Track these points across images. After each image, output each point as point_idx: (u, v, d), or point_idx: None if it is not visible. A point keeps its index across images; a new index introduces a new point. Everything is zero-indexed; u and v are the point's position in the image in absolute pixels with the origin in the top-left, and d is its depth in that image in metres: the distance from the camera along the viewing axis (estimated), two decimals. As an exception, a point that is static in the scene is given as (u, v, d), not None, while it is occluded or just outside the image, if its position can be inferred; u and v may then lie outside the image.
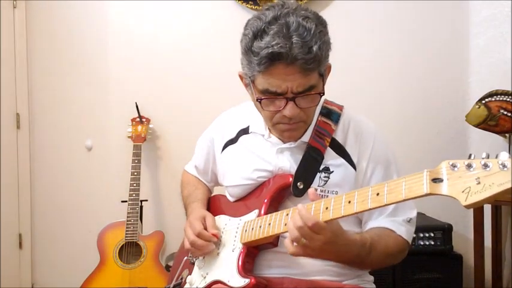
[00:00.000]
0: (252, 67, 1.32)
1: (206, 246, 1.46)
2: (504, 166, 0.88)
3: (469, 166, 0.93)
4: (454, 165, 0.96)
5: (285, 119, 1.36)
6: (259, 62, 1.28)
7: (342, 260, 1.34)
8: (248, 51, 1.32)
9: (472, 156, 0.95)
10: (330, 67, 1.41)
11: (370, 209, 1.12)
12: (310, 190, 1.28)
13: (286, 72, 1.28)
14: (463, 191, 0.92)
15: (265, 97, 1.34)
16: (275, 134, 1.50)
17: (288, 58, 1.25)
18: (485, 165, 0.91)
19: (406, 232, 1.43)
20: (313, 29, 1.27)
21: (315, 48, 1.26)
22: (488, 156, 0.93)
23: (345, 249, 1.26)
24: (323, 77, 1.36)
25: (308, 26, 1.27)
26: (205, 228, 1.48)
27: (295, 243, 1.21)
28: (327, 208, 1.19)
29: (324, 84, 1.39)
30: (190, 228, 1.49)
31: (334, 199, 1.19)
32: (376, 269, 1.50)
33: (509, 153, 0.90)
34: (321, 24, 1.32)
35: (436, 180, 0.98)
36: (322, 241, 1.19)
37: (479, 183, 0.91)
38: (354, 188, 1.39)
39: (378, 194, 1.10)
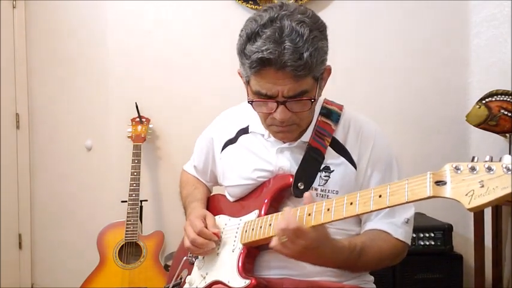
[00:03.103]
0: (245, 69, 1.33)
1: (207, 244, 1.45)
2: (508, 170, 0.88)
3: (473, 169, 0.93)
4: (457, 168, 0.95)
5: (277, 121, 1.36)
6: (251, 65, 1.28)
7: (326, 265, 1.35)
8: (241, 53, 1.32)
9: (476, 159, 0.95)
10: (329, 69, 1.40)
11: (372, 211, 1.12)
12: (306, 194, 1.28)
13: (276, 77, 1.28)
14: (466, 194, 0.92)
15: (256, 99, 1.35)
16: (273, 134, 1.50)
17: (277, 64, 1.25)
18: (489, 169, 0.90)
19: (404, 234, 1.43)
20: (307, 35, 1.25)
21: (305, 55, 1.25)
22: (491, 159, 0.92)
23: (330, 256, 1.27)
24: (319, 81, 1.35)
25: (301, 31, 1.25)
26: (206, 227, 1.48)
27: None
28: (328, 210, 1.19)
29: (321, 88, 1.38)
30: (191, 226, 1.49)
31: (335, 200, 1.19)
32: (375, 270, 1.50)
33: (510, 152, 0.89)
34: (317, 29, 1.30)
35: (440, 182, 0.98)
36: (303, 246, 1.20)
37: (482, 186, 0.90)
38: (355, 187, 1.40)
39: (380, 196, 1.09)
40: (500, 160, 0.90)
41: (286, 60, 1.24)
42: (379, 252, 1.38)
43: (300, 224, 1.19)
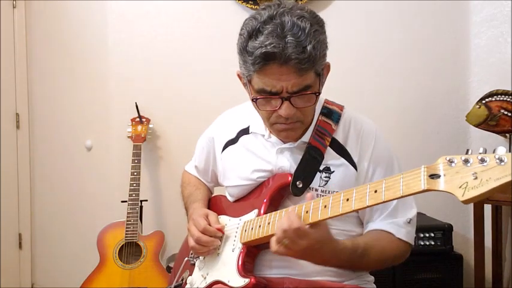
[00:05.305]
0: (247, 67, 1.32)
1: (212, 241, 1.46)
2: (501, 161, 0.88)
3: (466, 161, 0.93)
4: (451, 161, 0.95)
5: (281, 118, 1.36)
6: (254, 61, 1.28)
7: (327, 264, 1.36)
8: (243, 51, 1.32)
9: (470, 152, 0.95)
10: (328, 66, 1.41)
11: (369, 206, 1.12)
12: (308, 194, 1.28)
13: (280, 72, 1.28)
14: (460, 187, 0.92)
15: (260, 97, 1.34)
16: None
17: (282, 58, 1.25)
18: (482, 160, 0.91)
19: (406, 234, 1.43)
20: (308, 29, 1.26)
21: (309, 47, 1.25)
22: (485, 151, 0.92)
23: (331, 255, 1.28)
24: (320, 76, 1.36)
25: (303, 25, 1.26)
26: (210, 225, 1.48)
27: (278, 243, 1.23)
28: (325, 206, 1.19)
29: (321, 84, 1.38)
30: (194, 225, 1.49)
31: (332, 197, 1.19)
32: (378, 269, 1.49)
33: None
34: (317, 23, 1.31)
35: (434, 176, 0.98)
36: (304, 246, 1.20)
37: (476, 178, 0.90)
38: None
39: (375, 191, 1.10)
40: (493, 152, 0.91)
41: (290, 54, 1.24)
42: (382, 252, 1.38)
43: (302, 225, 1.19)
